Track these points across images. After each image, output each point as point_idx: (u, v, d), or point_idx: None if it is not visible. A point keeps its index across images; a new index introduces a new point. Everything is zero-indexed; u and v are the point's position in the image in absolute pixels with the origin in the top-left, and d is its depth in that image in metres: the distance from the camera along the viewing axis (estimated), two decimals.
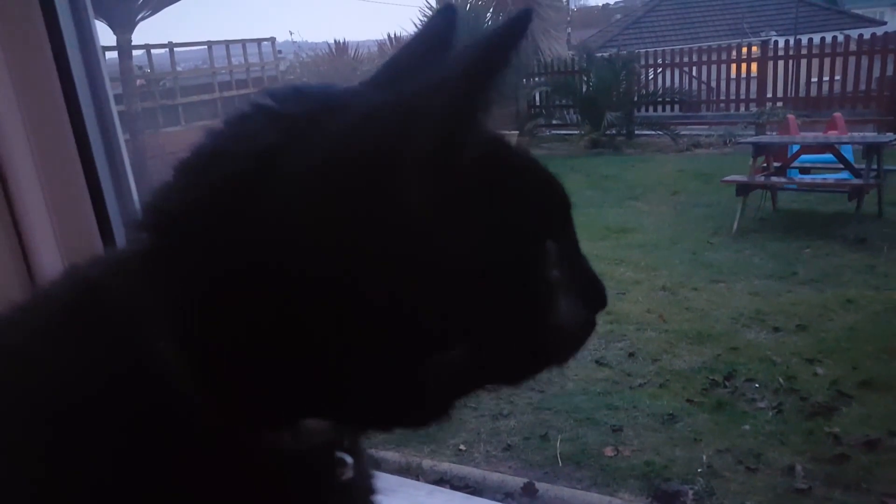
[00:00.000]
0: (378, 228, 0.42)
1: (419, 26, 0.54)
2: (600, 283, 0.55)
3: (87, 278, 0.50)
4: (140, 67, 8.43)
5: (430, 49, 0.53)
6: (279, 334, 0.42)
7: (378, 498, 0.58)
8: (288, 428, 0.46)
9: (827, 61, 9.52)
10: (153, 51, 8.80)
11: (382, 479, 0.59)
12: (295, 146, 0.44)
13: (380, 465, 2.40)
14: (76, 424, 0.43)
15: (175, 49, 9.11)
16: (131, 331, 0.44)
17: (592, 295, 0.54)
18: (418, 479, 2.20)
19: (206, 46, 9.72)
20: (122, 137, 1.16)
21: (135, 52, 8.04)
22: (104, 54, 1.17)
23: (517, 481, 2.40)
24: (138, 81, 8.21)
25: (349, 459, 0.51)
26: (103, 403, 0.44)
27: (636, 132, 9.87)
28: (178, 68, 9.21)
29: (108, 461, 0.43)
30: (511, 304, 0.47)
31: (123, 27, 7.45)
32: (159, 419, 0.43)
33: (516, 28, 0.44)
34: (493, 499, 2.19)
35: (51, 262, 1.04)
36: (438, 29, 0.54)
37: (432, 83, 0.45)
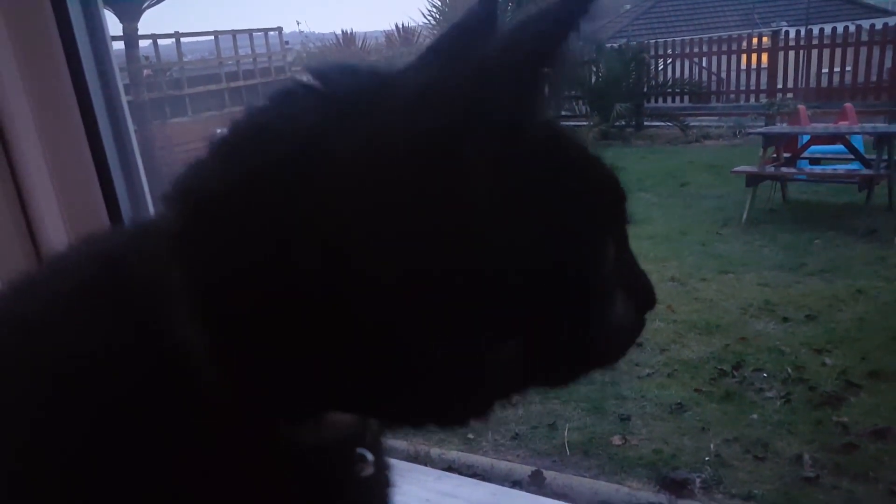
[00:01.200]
0: (433, 217, 0.40)
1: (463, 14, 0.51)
2: (649, 280, 0.53)
3: (105, 251, 0.49)
4: (146, 58, 8.44)
5: (476, 30, 0.50)
6: (311, 324, 0.40)
7: (392, 490, 0.56)
8: (310, 420, 0.44)
9: (838, 52, 9.41)
10: (159, 41, 8.82)
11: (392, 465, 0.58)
12: (343, 127, 0.41)
13: (388, 453, 2.39)
14: (88, 398, 0.42)
15: (182, 39, 9.12)
16: (151, 309, 0.42)
17: (643, 293, 0.53)
18: (426, 467, 2.20)
19: (212, 36, 9.72)
20: (131, 124, 1.16)
21: (141, 42, 8.05)
22: (111, 43, 1.17)
23: (525, 469, 2.41)
24: (145, 72, 8.23)
25: (370, 456, 0.50)
26: (117, 379, 0.42)
27: (645, 123, 9.78)
28: (185, 58, 9.21)
29: (118, 441, 0.42)
30: (569, 302, 0.45)
31: (130, 16, 7.45)
32: (176, 400, 0.42)
33: None
34: (502, 486, 2.19)
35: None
36: (481, 12, 0.51)
37: (494, 59, 0.41)
